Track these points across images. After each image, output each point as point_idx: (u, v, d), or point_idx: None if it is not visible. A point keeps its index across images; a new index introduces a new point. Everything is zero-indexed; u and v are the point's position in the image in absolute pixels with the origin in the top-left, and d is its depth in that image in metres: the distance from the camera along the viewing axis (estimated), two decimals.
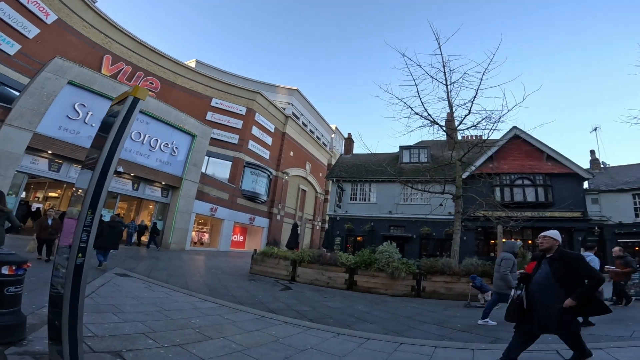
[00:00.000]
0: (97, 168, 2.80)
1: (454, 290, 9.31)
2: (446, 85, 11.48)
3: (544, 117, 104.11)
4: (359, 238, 20.32)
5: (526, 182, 17.54)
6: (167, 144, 18.53)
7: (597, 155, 24.80)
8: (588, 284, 3.02)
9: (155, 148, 17.84)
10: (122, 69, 20.42)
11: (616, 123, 61.24)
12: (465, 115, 11.28)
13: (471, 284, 8.40)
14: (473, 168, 15.82)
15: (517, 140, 17.16)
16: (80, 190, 2.93)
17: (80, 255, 2.65)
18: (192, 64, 30.52)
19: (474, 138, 14.80)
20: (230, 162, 25.27)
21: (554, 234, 3.40)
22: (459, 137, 12.77)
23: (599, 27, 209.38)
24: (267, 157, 29.12)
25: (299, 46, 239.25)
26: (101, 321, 4.13)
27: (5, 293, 2.90)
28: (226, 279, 10.32)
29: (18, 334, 2.96)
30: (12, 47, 14.96)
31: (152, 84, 22.06)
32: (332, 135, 47.33)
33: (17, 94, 13.80)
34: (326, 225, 39.19)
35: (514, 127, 16.85)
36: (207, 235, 24.31)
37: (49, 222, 9.03)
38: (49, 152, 13.78)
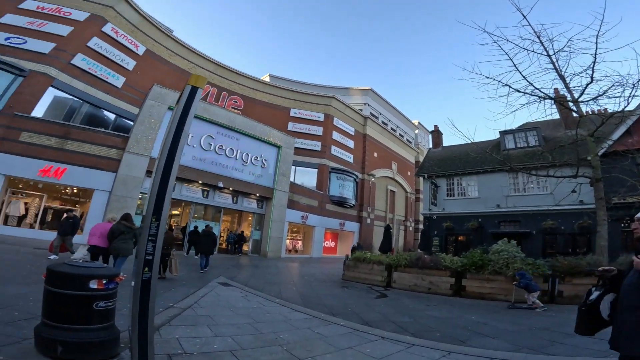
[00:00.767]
0: (159, 162, 2.56)
1: None
2: (548, 55, 9.38)
3: None
4: (460, 238, 18.06)
5: None
6: (257, 157, 19.73)
7: None
8: None
9: (247, 162, 19.17)
10: (209, 91, 22.77)
11: None
12: (588, 84, 8.99)
13: (514, 283, 7.68)
14: (607, 145, 12.43)
15: None
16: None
17: (146, 269, 2.42)
18: (267, 79, 32.48)
19: (602, 111, 11.76)
20: (316, 170, 25.71)
21: None
22: (583, 111, 10.21)
23: None
24: (351, 160, 28.80)
25: (366, 49, 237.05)
26: (194, 335, 4.06)
27: (95, 308, 2.86)
28: (318, 287, 10.06)
29: (109, 351, 2.93)
30: (118, 80, 17.74)
31: (235, 102, 24.09)
32: (416, 131, 44.53)
33: (131, 123, 16.30)
34: (420, 226, 36.93)
35: None
36: (300, 242, 25.04)
37: None
38: None
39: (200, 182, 17.08)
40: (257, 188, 19.60)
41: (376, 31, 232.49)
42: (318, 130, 26.53)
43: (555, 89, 12.45)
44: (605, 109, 11.85)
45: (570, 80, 9.81)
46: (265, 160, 20.17)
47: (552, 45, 9.49)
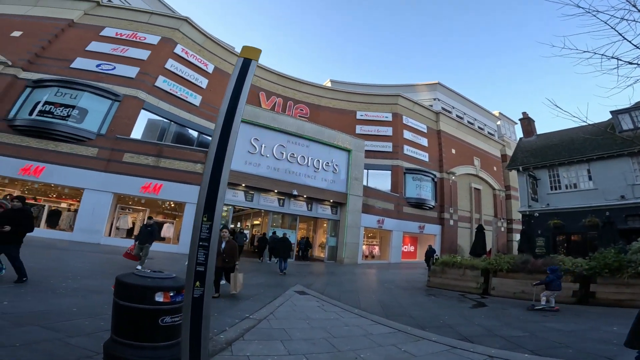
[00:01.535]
0: (212, 146, 2.25)
1: None
2: None
3: None
4: (574, 237, 15.02)
5: None
6: (328, 163, 19.57)
7: None
8: None
9: (318, 169, 19.14)
10: (275, 101, 23.64)
11: None
12: None
13: (535, 283, 7.18)
14: None
15: None
16: None
17: (197, 284, 2.07)
18: (328, 84, 32.39)
19: None
20: (390, 171, 24.54)
21: None
22: None
23: None
24: (427, 159, 26.86)
25: (432, 44, 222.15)
26: (266, 353, 3.73)
27: (160, 324, 2.64)
28: (400, 295, 9.17)
29: None
30: (196, 99, 19.22)
31: (302, 110, 24.50)
32: (498, 123, 39.68)
33: (209, 139, 17.57)
34: (513, 226, 32.35)
35: None
36: (377, 247, 24.01)
37: (222, 245, 6.89)
38: (243, 185, 16.77)
39: (275, 191, 17.55)
40: (330, 194, 19.40)
41: (439, 25, 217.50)
42: (387, 131, 25.40)
43: None
44: None
45: None
46: (336, 165, 19.90)
47: None
